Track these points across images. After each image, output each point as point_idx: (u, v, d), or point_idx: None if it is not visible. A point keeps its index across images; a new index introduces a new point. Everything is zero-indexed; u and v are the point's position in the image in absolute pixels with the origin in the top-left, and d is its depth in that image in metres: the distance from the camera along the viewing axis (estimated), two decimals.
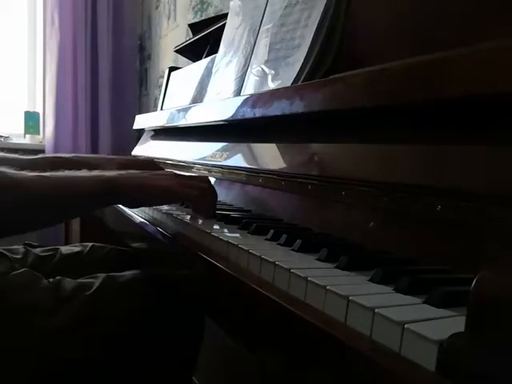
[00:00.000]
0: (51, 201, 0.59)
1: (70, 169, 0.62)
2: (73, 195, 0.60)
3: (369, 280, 0.39)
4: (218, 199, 0.74)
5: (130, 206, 0.79)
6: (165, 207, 0.79)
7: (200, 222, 0.66)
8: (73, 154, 0.87)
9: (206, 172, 0.99)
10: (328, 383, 0.34)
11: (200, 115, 1.04)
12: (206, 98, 1.11)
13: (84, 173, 0.63)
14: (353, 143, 0.60)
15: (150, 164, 0.87)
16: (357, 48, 0.69)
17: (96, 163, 0.79)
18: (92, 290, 0.61)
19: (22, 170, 0.76)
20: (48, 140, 2.50)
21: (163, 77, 1.70)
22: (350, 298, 0.34)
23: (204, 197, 0.68)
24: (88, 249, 0.87)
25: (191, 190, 0.67)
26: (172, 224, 0.70)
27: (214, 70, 1.10)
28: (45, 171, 0.59)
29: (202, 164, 1.01)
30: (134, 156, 1.56)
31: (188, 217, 0.70)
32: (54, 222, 0.69)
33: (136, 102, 2.78)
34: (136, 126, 1.65)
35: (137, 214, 0.83)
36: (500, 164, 0.42)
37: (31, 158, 0.79)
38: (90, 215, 1.28)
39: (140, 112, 2.47)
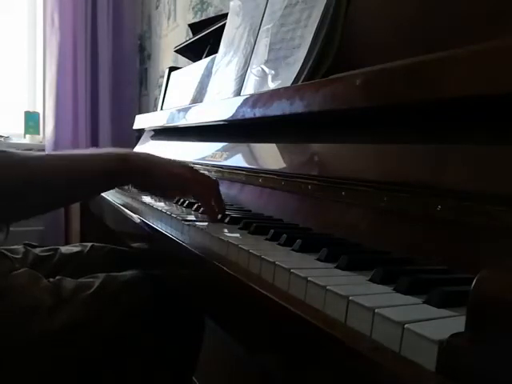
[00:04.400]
0: (61, 178, 0.58)
1: None
2: (84, 173, 0.59)
3: (369, 280, 0.39)
4: None
5: (141, 188, 0.78)
6: (165, 207, 0.79)
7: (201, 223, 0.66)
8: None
9: (206, 172, 0.99)
10: (328, 383, 0.34)
11: (200, 115, 1.04)
12: (206, 98, 1.11)
13: (95, 150, 0.62)
14: (353, 143, 0.60)
15: None
16: (357, 48, 0.69)
17: None
18: (92, 290, 0.61)
19: None
20: (48, 140, 2.50)
21: (163, 77, 1.70)
22: (350, 298, 0.34)
23: (216, 198, 0.68)
24: (88, 249, 0.87)
25: (203, 187, 0.67)
26: (172, 224, 0.70)
27: (214, 69, 1.10)
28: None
29: (202, 164, 1.01)
30: None
31: (188, 217, 0.70)
32: (63, 202, 0.68)
33: (136, 102, 2.78)
34: (136, 126, 1.65)
35: (136, 214, 0.83)
36: (500, 164, 0.42)
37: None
38: (91, 208, 1.27)
39: (140, 112, 2.48)
